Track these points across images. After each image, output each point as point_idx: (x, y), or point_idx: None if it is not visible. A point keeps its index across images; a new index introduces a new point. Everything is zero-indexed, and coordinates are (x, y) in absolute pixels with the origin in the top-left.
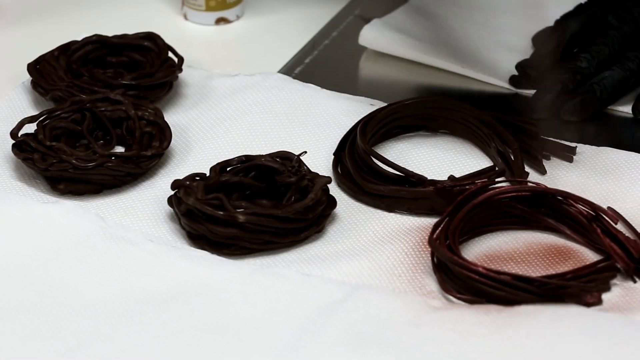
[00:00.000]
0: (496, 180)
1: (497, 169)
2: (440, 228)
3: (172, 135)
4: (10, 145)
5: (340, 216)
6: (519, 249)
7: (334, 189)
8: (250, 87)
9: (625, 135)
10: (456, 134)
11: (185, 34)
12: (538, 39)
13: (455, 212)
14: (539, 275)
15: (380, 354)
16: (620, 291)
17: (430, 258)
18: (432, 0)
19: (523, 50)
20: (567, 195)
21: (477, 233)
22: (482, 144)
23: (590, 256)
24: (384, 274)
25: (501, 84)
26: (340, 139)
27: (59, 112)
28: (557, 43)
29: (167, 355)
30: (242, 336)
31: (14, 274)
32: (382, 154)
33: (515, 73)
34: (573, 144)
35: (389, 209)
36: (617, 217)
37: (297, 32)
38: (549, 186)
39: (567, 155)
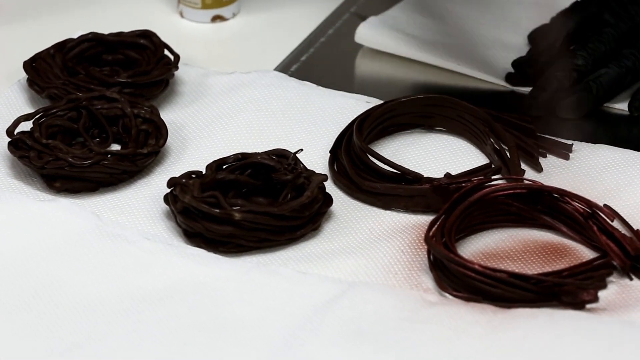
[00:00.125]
0: (492, 177)
1: (493, 166)
2: (436, 226)
3: (168, 133)
4: (6, 143)
5: (337, 214)
6: (515, 247)
7: (330, 187)
8: (247, 85)
9: (621, 132)
10: (452, 132)
11: (182, 32)
12: (534, 37)
13: (451, 210)
14: (535, 272)
15: (376, 351)
16: (616, 289)
17: (426, 256)
18: None
19: (519, 47)
20: (564, 193)
21: (474, 231)
22: (479, 142)
23: (586, 254)
24: (380, 272)
25: (497, 81)
26: (336, 137)
27: (55, 110)
28: (554, 40)
29: (164, 353)
30: (238, 334)
31: (9, 272)
32: (378, 152)
33: (512, 70)
34: (569, 142)
35: (385, 206)
36: (613, 214)
37: (293, 29)
38: (545, 184)
39: (564, 152)
